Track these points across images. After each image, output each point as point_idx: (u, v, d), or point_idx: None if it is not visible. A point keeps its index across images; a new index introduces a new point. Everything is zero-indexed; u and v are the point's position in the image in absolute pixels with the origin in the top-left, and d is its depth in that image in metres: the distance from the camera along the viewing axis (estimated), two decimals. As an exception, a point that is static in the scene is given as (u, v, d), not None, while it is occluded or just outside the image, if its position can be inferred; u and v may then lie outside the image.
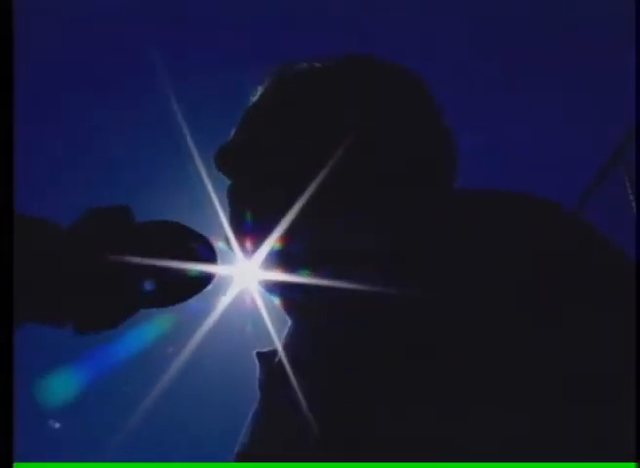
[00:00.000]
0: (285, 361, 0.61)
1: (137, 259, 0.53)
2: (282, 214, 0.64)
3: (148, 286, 0.54)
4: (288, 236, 0.63)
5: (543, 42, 4.03)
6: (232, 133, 0.72)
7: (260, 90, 0.74)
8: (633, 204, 3.03)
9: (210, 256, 0.57)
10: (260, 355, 0.69)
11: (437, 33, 4.08)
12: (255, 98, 0.74)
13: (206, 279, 0.56)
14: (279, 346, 0.64)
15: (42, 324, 0.53)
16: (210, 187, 0.67)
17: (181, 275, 0.55)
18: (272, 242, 0.63)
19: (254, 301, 0.66)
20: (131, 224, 0.55)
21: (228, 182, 0.70)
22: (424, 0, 3.90)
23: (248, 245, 0.66)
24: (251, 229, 0.66)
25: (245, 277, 0.67)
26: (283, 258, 0.63)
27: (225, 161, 0.69)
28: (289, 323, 0.67)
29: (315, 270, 0.58)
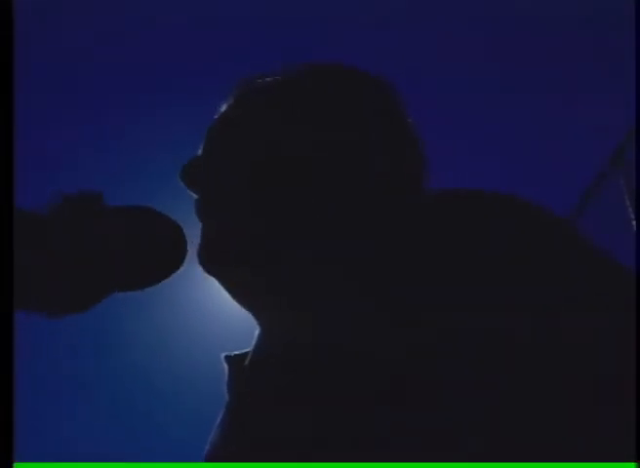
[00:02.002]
0: (255, 362, 0.62)
1: (107, 243, 0.54)
2: (250, 231, 0.64)
3: (119, 270, 0.55)
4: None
5: (543, 42, 4.04)
6: (199, 149, 0.72)
7: (224, 105, 0.74)
8: (630, 206, 3.03)
9: (179, 241, 0.58)
10: (228, 358, 0.69)
11: (436, 31, 4.08)
12: (219, 114, 0.74)
13: (175, 263, 0.57)
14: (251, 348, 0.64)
15: (16, 310, 0.52)
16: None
17: (152, 259, 0.56)
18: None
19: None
20: (102, 209, 0.56)
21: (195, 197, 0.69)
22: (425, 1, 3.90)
23: (215, 262, 0.66)
24: (217, 249, 0.66)
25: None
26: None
27: (191, 176, 0.69)
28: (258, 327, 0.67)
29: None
